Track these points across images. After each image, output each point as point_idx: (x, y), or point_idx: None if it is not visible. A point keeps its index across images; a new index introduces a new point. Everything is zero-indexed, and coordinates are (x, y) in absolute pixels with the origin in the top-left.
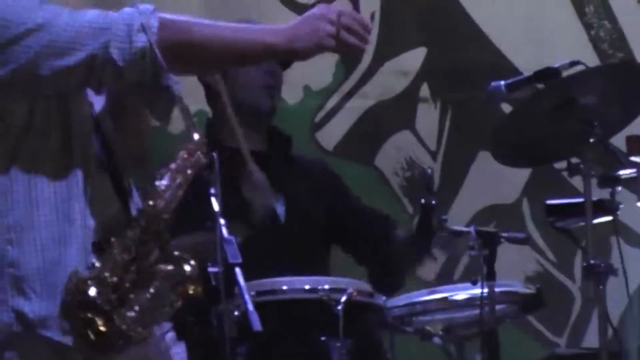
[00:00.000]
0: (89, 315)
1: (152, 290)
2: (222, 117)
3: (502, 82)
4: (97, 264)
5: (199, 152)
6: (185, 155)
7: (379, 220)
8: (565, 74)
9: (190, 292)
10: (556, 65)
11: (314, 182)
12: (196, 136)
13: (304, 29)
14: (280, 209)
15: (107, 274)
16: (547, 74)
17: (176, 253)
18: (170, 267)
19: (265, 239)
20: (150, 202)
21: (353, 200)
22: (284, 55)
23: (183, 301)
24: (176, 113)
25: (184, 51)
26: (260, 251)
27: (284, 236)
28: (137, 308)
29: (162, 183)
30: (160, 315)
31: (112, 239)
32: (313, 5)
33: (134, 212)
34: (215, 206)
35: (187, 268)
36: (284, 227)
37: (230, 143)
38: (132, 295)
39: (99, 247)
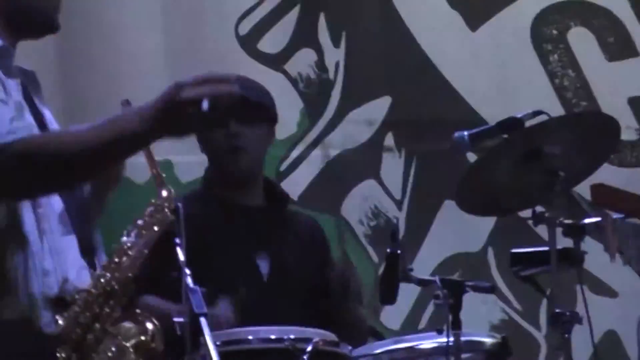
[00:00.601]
0: None
1: (113, 348)
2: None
3: (466, 133)
4: (60, 321)
5: (166, 209)
6: (153, 212)
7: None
8: (528, 123)
9: (152, 349)
10: (519, 115)
11: (304, 243)
12: (164, 193)
13: (166, 109)
14: (265, 268)
15: (69, 332)
16: (511, 124)
17: (138, 311)
18: (131, 325)
19: (249, 295)
20: (116, 259)
21: (330, 268)
22: (154, 139)
23: (145, 358)
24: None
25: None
26: (243, 308)
27: (267, 293)
28: None
29: (128, 240)
30: None
31: (76, 296)
32: (277, 55)
33: (99, 269)
34: (181, 256)
35: (149, 326)
36: (268, 284)
37: (227, 196)
38: (93, 354)
39: (63, 303)
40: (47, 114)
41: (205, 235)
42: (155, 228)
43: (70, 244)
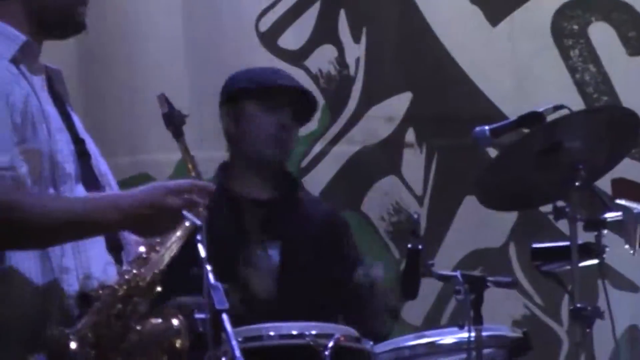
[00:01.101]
0: None
1: (135, 345)
2: (243, 156)
3: (487, 127)
4: (82, 318)
5: (200, 207)
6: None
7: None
8: (549, 118)
9: (178, 346)
10: (540, 110)
11: (319, 232)
12: None
13: (149, 212)
14: (275, 257)
15: (89, 329)
16: (531, 119)
17: (165, 307)
18: (158, 321)
19: (262, 284)
20: (144, 255)
21: (349, 255)
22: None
23: (170, 356)
24: (161, 159)
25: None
26: (254, 301)
27: (278, 283)
28: None
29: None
30: None
31: (100, 291)
32: (298, 51)
33: (125, 265)
34: (202, 252)
35: (174, 322)
36: (280, 274)
37: (239, 189)
38: (114, 352)
39: (87, 299)
40: (75, 118)
41: (216, 229)
42: (187, 224)
43: (95, 240)
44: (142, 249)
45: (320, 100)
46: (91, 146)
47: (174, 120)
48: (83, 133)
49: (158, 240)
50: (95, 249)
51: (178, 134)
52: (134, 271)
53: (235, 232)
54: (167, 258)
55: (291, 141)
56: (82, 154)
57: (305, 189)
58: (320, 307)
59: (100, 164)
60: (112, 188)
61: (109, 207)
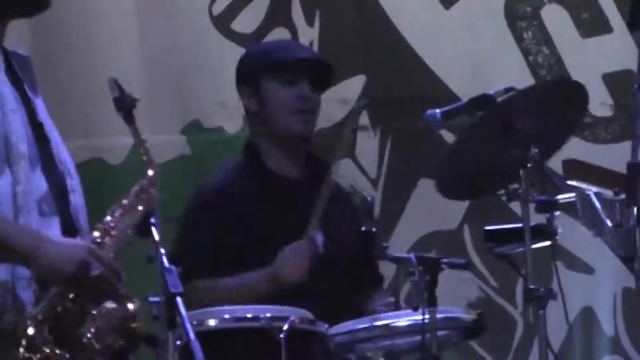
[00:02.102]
0: (27, 354)
1: (93, 329)
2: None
3: (438, 110)
4: (39, 304)
5: (151, 189)
6: (138, 191)
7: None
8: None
9: (134, 329)
10: (491, 92)
11: (345, 211)
12: (150, 172)
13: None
14: (320, 239)
15: (46, 314)
16: (482, 101)
17: (122, 291)
18: (114, 305)
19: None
20: (98, 240)
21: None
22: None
23: (126, 339)
24: (115, 143)
25: None
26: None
27: (322, 265)
28: (75, 347)
29: (112, 220)
30: (101, 354)
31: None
32: (251, 35)
33: None
34: (156, 235)
35: (130, 306)
36: (325, 258)
37: (271, 166)
38: (71, 336)
39: (44, 283)
40: (39, 104)
41: (254, 206)
42: (140, 208)
43: (52, 225)
44: (96, 233)
45: None
46: (54, 133)
47: (124, 104)
48: (45, 119)
49: (112, 224)
50: (50, 233)
51: (129, 118)
52: (98, 240)
53: (273, 210)
54: (122, 242)
55: (315, 112)
56: (40, 138)
57: None
58: (357, 287)
59: (61, 151)
60: (71, 176)
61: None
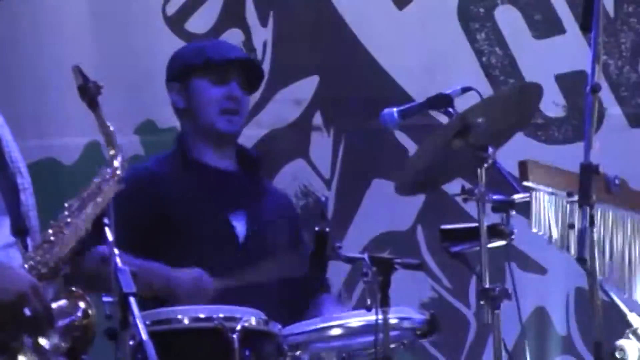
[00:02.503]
0: None
1: None
2: (197, 129)
3: (395, 109)
4: None
5: (113, 179)
6: (99, 182)
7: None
8: (457, 100)
9: (84, 325)
10: (448, 92)
11: (278, 210)
12: (116, 163)
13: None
14: (241, 229)
15: None
16: (439, 101)
17: (73, 289)
18: (64, 302)
19: (224, 258)
20: (51, 238)
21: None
22: None
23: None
24: (68, 143)
25: None
26: (217, 271)
27: (242, 255)
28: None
29: (67, 214)
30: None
31: None
32: (205, 35)
33: (30, 249)
34: (109, 236)
35: (81, 304)
36: (244, 245)
37: (199, 157)
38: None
39: None
40: None
41: (179, 196)
42: (99, 200)
43: (1, 225)
44: (50, 231)
45: None
46: (4, 131)
47: (89, 92)
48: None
49: (68, 220)
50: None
51: (93, 105)
52: (38, 258)
53: (198, 198)
54: (76, 237)
55: (242, 111)
56: None
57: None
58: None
59: (12, 150)
60: (22, 175)
61: None
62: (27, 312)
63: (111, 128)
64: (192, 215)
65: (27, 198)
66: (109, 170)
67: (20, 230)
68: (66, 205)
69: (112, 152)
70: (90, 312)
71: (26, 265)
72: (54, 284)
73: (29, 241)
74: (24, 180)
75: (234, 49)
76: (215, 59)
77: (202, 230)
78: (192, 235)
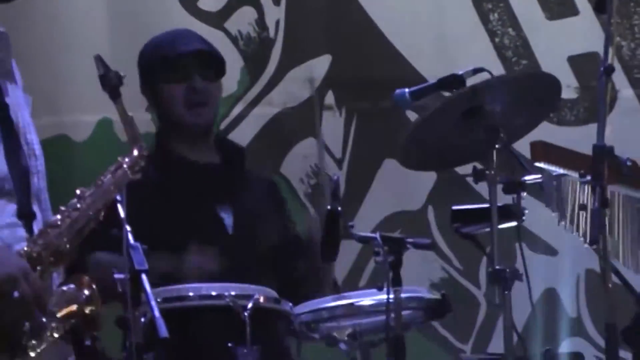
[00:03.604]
0: None
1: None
2: (171, 126)
3: (407, 90)
4: None
5: (126, 168)
6: (114, 170)
7: (298, 254)
8: (469, 80)
9: (87, 312)
10: (460, 72)
11: (263, 201)
12: (135, 152)
13: None
14: (229, 220)
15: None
16: (451, 81)
17: (81, 276)
18: (71, 287)
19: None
20: (58, 223)
21: (289, 228)
22: None
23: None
24: (80, 120)
25: None
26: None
27: (231, 246)
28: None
29: (77, 201)
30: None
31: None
32: (217, 13)
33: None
34: (121, 212)
35: (86, 292)
36: (233, 237)
37: (177, 151)
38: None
39: None
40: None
41: (164, 192)
42: (112, 188)
43: (6, 208)
44: (57, 216)
45: (240, 63)
46: (24, 112)
47: (110, 82)
48: (16, 97)
49: (78, 205)
50: (3, 214)
51: (115, 96)
52: (41, 241)
53: (184, 193)
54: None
55: (209, 102)
56: (3, 120)
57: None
58: (271, 270)
59: (29, 132)
60: (36, 158)
61: None
62: (15, 294)
63: (131, 117)
64: (179, 211)
65: (39, 181)
66: (127, 159)
67: (24, 215)
68: (77, 192)
69: (130, 139)
70: (94, 299)
71: (26, 249)
72: (59, 269)
73: (34, 225)
74: (37, 163)
75: (189, 40)
76: (170, 55)
77: (191, 225)
78: (181, 230)
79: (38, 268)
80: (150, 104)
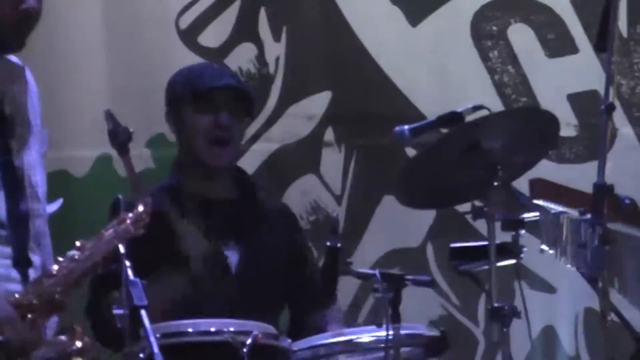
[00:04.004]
0: None
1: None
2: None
3: (406, 127)
4: None
5: (129, 223)
6: (116, 224)
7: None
8: (468, 118)
9: None
10: (459, 110)
11: (277, 231)
12: (140, 208)
13: None
14: (233, 259)
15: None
16: (451, 119)
17: (74, 326)
18: (63, 338)
19: (217, 289)
20: (55, 273)
21: (308, 257)
22: None
23: None
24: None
25: None
26: (210, 301)
27: (235, 285)
28: None
29: (75, 252)
30: None
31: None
32: (218, 49)
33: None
34: (121, 248)
35: (78, 343)
36: (236, 276)
37: (190, 186)
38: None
39: None
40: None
41: (173, 228)
42: (113, 241)
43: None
44: (54, 266)
45: None
46: (28, 154)
47: (119, 137)
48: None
49: (76, 257)
50: None
51: (123, 152)
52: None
53: (191, 230)
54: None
55: (234, 140)
56: (6, 164)
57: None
58: (278, 308)
59: (34, 174)
60: (39, 201)
61: None
62: (0, 338)
63: (138, 174)
64: (184, 249)
65: (40, 224)
66: (131, 214)
67: (20, 262)
68: (77, 244)
69: (136, 193)
70: (86, 350)
71: (18, 296)
72: (54, 317)
73: (32, 271)
74: (40, 206)
75: (223, 75)
76: (201, 89)
77: (195, 263)
78: (185, 267)
79: (29, 316)
80: (173, 131)
